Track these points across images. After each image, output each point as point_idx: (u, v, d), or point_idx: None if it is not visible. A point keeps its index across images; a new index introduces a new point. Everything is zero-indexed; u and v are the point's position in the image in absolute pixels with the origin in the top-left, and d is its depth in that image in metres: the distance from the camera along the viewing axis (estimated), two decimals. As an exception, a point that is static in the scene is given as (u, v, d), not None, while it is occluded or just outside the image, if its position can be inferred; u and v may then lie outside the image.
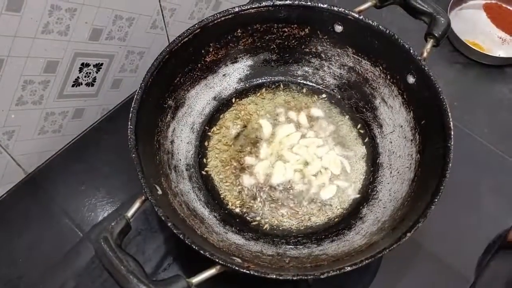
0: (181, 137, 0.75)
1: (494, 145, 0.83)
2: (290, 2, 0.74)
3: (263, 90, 0.83)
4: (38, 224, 0.75)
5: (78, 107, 0.80)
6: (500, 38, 0.96)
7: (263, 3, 0.73)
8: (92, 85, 0.80)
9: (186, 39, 0.70)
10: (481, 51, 0.92)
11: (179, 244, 0.71)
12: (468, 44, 0.92)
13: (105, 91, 0.83)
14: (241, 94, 0.82)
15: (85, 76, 0.77)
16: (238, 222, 0.70)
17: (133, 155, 0.59)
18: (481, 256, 0.73)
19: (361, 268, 0.67)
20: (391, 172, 0.72)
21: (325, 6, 0.73)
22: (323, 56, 0.80)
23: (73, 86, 0.76)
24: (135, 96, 0.64)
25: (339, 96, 0.82)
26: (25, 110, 0.72)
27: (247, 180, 0.74)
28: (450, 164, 0.61)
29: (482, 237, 0.75)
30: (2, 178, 0.76)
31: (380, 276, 0.71)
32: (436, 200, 0.58)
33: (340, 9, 0.73)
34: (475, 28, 0.97)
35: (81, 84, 0.77)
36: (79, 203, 0.77)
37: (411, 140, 0.71)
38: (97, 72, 0.78)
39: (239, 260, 0.58)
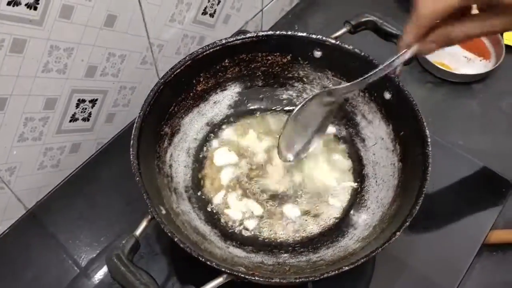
0: (179, 161, 0.77)
1: (471, 154, 0.87)
2: (272, 33, 0.78)
3: (252, 114, 0.86)
4: (39, 258, 0.76)
5: (75, 142, 0.82)
6: (465, 57, 1.03)
7: (248, 34, 0.77)
8: (88, 120, 0.81)
9: (178, 70, 0.73)
10: (449, 70, 0.99)
11: (181, 264, 0.74)
12: (437, 65, 0.98)
13: (100, 125, 0.85)
14: (231, 119, 0.85)
15: (81, 112, 0.79)
16: (238, 238, 0.72)
17: (137, 178, 0.61)
18: (464, 262, 0.75)
19: (357, 275, 0.71)
20: (376, 181, 0.75)
21: (304, 34, 0.77)
22: (305, 80, 0.84)
23: (70, 121, 0.78)
24: (135, 124, 0.66)
25: (323, 116, 0.85)
26: (26, 146, 0.73)
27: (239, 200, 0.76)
28: (430, 168, 0.64)
29: (463, 243, 0.78)
30: (4, 213, 0.77)
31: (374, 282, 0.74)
32: (419, 201, 0.61)
33: (318, 36, 0.76)
34: (442, 50, 1.04)
35: (78, 119, 0.79)
36: (76, 238, 0.78)
37: (392, 151, 0.75)
38: (92, 107, 0.80)
39: (244, 269, 0.61)
